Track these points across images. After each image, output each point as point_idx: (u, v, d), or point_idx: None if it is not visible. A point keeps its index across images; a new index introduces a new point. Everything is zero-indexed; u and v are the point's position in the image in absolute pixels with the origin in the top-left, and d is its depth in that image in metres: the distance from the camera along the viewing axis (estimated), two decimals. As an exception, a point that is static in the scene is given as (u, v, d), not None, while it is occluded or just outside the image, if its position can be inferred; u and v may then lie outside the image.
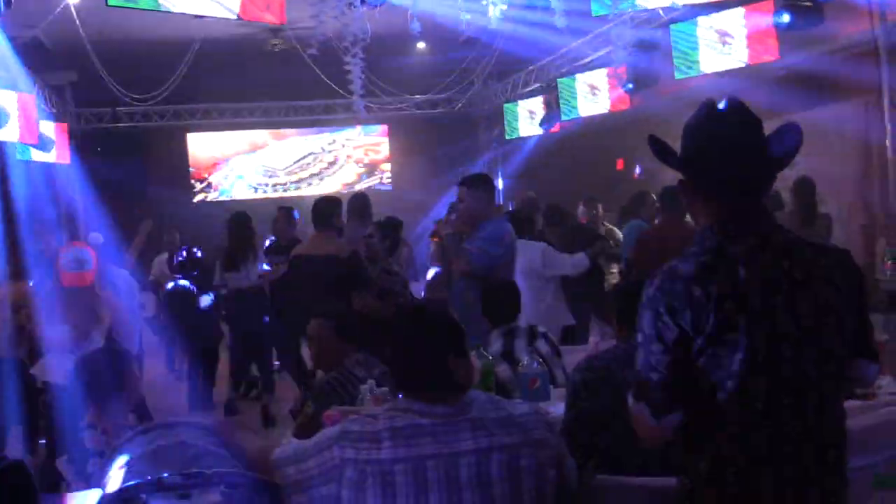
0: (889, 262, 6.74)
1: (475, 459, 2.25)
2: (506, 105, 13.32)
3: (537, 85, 12.41)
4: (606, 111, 10.49)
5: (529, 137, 12.97)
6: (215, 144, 15.76)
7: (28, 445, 5.93)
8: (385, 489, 2.21)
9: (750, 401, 1.98)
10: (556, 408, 3.53)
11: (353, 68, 8.51)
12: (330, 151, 16.24)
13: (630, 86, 9.63)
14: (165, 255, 9.90)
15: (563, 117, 11.20)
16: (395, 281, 5.86)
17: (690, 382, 2.00)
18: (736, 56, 8.08)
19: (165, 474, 2.13)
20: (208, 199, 15.71)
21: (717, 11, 8.16)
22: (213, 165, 15.81)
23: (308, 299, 5.50)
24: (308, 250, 6.22)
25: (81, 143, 13.68)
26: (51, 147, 10.64)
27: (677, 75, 8.68)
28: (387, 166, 16.38)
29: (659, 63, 9.16)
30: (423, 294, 7.34)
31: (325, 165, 16.21)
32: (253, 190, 15.88)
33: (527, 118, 12.65)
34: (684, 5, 7.88)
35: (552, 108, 11.49)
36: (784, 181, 6.99)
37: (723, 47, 8.16)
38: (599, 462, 2.74)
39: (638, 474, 2.68)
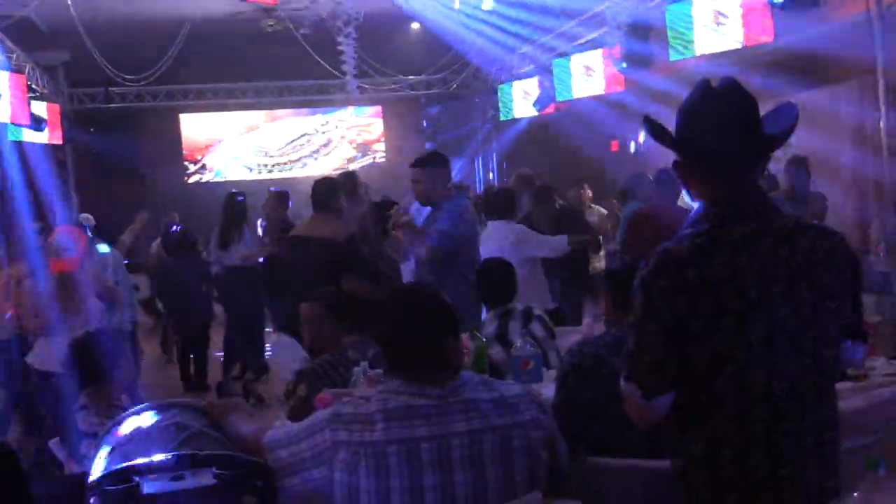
0: (882, 244, 6.74)
1: (468, 441, 2.26)
2: (500, 86, 13.28)
3: (532, 66, 12.36)
4: (602, 92, 10.47)
5: (524, 118, 12.94)
6: (208, 125, 15.72)
7: (26, 427, 5.96)
8: (378, 471, 2.21)
9: (748, 385, 1.98)
10: (549, 390, 3.51)
11: (345, 48, 8.53)
12: (324, 133, 16.22)
13: (624, 65, 9.58)
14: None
15: (559, 98, 11.17)
16: (387, 263, 5.84)
17: (683, 365, 2.00)
18: (731, 37, 8.05)
19: (158, 456, 2.13)
20: (203, 181, 15.67)
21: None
22: (207, 147, 15.76)
23: (302, 281, 5.49)
24: (305, 231, 6.21)
25: (74, 123, 13.64)
26: (43, 127, 10.58)
27: (672, 56, 8.66)
28: (379, 146, 16.36)
29: (654, 44, 9.12)
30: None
31: (319, 146, 16.20)
32: (248, 170, 15.87)
33: (521, 99, 12.62)
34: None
35: (546, 88, 11.45)
36: (777, 162, 6.98)
37: (718, 27, 8.13)
38: (589, 450, 2.74)
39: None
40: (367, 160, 16.13)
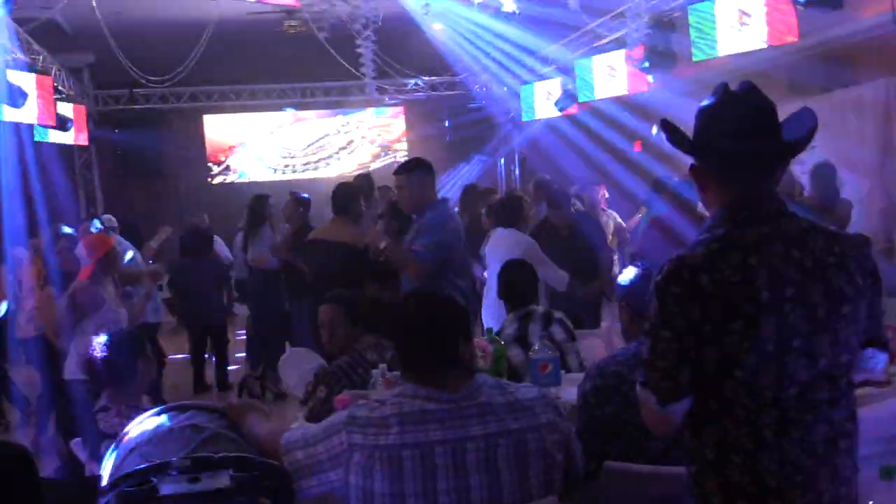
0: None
1: (483, 444, 2.26)
2: (522, 86, 13.24)
3: (554, 66, 12.32)
4: (624, 92, 10.41)
5: (546, 119, 12.90)
6: (232, 127, 15.80)
7: (57, 428, 6.06)
8: (393, 474, 2.22)
9: (756, 389, 1.96)
10: (567, 393, 3.52)
11: (364, 51, 8.52)
12: (345, 133, 16.29)
13: (646, 63, 9.51)
14: None
15: (580, 99, 11.12)
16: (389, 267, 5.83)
17: (698, 371, 1.98)
18: (756, 36, 7.97)
19: (175, 457, 2.14)
20: (227, 182, 15.77)
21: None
22: (230, 148, 15.85)
23: (320, 284, 5.52)
24: (324, 235, 6.25)
25: (99, 124, 13.77)
26: (69, 128, 10.69)
27: (696, 56, 8.59)
28: (400, 145, 16.39)
29: (677, 44, 9.05)
30: None
31: (341, 147, 16.27)
32: (272, 171, 15.95)
33: (543, 99, 12.57)
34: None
35: (568, 89, 11.41)
36: (801, 165, 6.91)
37: (742, 28, 8.05)
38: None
39: None
40: (388, 159, 16.17)
